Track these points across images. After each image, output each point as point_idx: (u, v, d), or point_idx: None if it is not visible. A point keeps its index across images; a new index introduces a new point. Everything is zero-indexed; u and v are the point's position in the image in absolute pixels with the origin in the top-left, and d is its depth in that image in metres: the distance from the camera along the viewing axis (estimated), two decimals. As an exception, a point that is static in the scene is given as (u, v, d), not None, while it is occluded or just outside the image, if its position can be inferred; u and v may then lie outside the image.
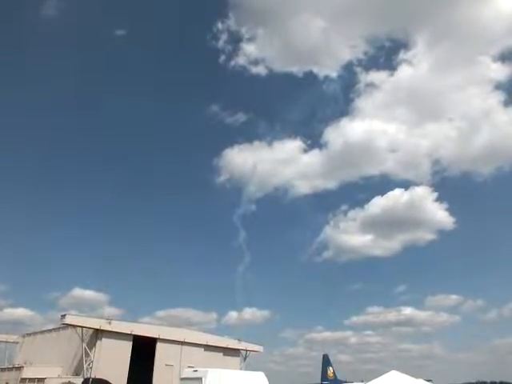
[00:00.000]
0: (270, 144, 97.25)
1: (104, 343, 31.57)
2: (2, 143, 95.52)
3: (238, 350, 41.07)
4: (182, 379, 21.75)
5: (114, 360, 31.21)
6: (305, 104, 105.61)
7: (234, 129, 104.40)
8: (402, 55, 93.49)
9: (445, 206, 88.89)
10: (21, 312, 69.72)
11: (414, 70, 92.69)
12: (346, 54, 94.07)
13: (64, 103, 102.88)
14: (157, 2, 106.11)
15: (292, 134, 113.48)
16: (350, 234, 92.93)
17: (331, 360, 45.21)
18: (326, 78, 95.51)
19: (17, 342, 42.41)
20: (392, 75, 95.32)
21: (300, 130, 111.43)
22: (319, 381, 43.13)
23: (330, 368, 43.96)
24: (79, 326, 30.76)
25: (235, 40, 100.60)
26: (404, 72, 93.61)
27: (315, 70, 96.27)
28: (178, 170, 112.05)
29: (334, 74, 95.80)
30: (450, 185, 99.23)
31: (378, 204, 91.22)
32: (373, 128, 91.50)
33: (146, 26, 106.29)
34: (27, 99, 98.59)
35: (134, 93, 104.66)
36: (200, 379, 19.68)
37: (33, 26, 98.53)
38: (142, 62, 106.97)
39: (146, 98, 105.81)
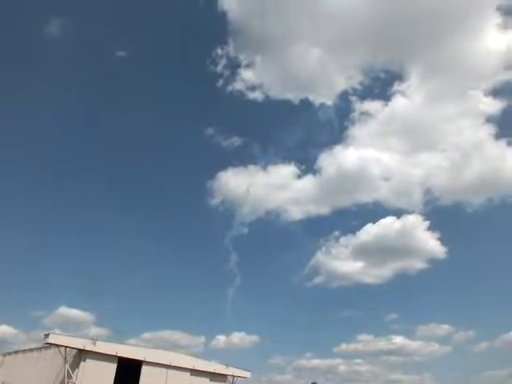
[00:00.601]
0: (264, 168, 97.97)
1: (88, 364, 30.66)
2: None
3: (225, 375, 40.11)
4: None
5: (98, 382, 30.29)
6: (300, 130, 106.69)
7: (230, 152, 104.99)
8: (396, 86, 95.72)
9: (436, 235, 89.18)
10: (4, 329, 67.64)
11: (407, 101, 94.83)
12: (342, 84, 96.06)
13: (64, 119, 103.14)
14: (158, 25, 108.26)
15: (286, 159, 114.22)
16: (342, 261, 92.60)
17: (320, 389, 44.23)
18: (322, 105, 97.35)
19: (-3, 361, 41.11)
20: (386, 105, 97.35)
21: (294, 156, 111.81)
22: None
23: (319, 397, 43.01)
24: (63, 346, 29.96)
25: (234, 66, 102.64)
26: (398, 103, 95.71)
27: (311, 97, 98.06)
28: (173, 189, 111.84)
29: (329, 102, 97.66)
30: (442, 214, 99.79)
31: (369, 231, 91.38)
32: (366, 156, 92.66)
33: (147, 48, 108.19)
34: (28, 113, 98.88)
35: (133, 112, 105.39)
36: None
37: (36, 43, 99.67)
38: (141, 82, 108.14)
39: (144, 118, 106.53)
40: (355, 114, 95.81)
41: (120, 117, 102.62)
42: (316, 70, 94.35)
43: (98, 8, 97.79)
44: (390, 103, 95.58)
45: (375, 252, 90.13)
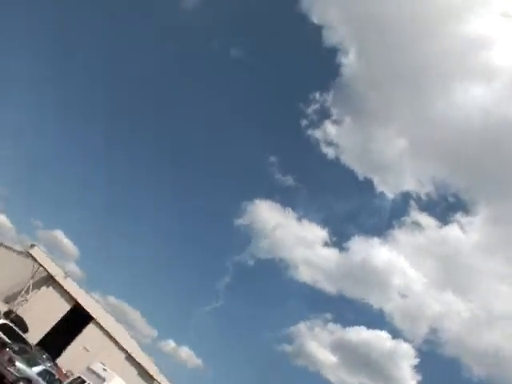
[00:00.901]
0: (299, 218, 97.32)
1: (48, 292, 31.24)
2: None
3: (154, 379, 39.00)
4: (88, 369, 20.73)
5: (46, 312, 30.59)
6: (350, 204, 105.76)
7: (277, 186, 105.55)
8: (458, 216, 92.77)
9: (418, 377, 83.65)
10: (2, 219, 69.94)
11: (462, 235, 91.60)
12: (410, 185, 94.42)
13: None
14: (280, 48, 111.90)
15: (324, 222, 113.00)
16: (318, 344, 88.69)
17: None
18: (382, 194, 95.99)
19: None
20: (440, 228, 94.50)
21: (332, 223, 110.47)
22: None
23: None
24: (38, 263, 30.65)
25: (323, 115, 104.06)
26: (452, 231, 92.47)
27: (376, 181, 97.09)
28: (210, 192, 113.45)
29: (390, 195, 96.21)
30: (435, 362, 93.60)
31: (359, 333, 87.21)
32: (396, 263, 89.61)
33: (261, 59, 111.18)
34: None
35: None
36: (103, 380, 18.80)
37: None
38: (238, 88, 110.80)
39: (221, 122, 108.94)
40: (407, 219, 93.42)
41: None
42: (392, 159, 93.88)
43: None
44: (444, 227, 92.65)
45: (354, 357, 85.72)
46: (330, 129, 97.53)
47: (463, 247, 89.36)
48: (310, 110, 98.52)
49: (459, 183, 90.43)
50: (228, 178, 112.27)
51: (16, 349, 18.30)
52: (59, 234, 76.98)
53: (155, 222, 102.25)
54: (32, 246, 30.73)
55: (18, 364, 17.30)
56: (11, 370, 16.77)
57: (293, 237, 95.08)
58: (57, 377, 21.64)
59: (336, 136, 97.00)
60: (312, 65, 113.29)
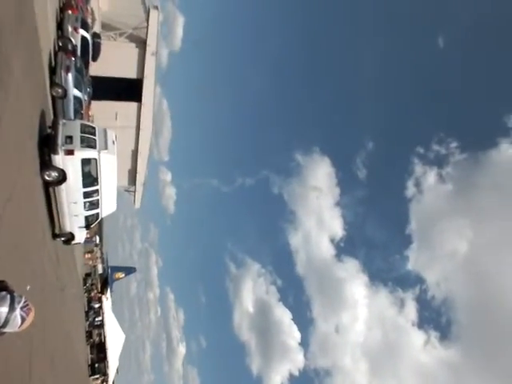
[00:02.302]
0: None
1: (132, 50, 31.75)
2: None
3: (135, 185, 40.07)
4: (102, 129, 20.80)
5: (116, 63, 31.45)
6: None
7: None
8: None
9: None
10: None
11: None
12: None
13: None
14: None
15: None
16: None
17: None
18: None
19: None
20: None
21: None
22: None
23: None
24: (146, 24, 30.68)
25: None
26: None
27: None
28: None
29: None
30: None
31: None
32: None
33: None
34: None
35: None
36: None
37: None
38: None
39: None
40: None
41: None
42: None
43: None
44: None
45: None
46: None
47: None
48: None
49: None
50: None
51: (78, 66, 18.81)
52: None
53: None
54: (156, 7, 30.41)
55: (69, 76, 17.94)
56: (63, 76, 17.38)
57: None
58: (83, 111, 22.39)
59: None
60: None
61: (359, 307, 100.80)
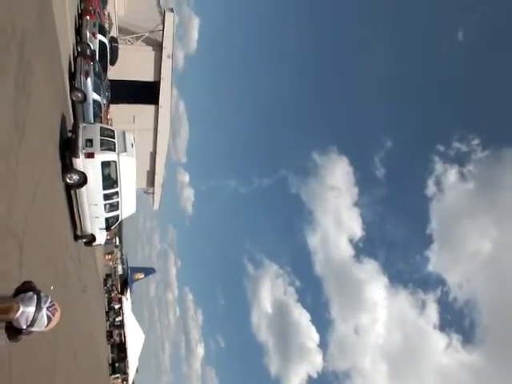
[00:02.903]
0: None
1: (149, 53, 32.12)
2: None
3: (153, 186, 40.56)
4: (121, 132, 21.07)
5: (133, 66, 31.82)
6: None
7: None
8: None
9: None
10: None
11: None
12: None
13: None
14: None
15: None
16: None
17: None
18: None
19: None
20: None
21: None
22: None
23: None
24: (162, 26, 30.99)
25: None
26: None
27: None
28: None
29: None
30: None
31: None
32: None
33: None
34: None
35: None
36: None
37: None
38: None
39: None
40: None
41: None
42: None
43: None
44: None
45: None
46: None
47: None
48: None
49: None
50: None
51: (96, 71, 19.14)
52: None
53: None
54: (171, 10, 30.69)
55: (89, 81, 18.28)
56: (82, 80, 17.72)
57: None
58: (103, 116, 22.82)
59: None
60: None
61: (379, 309, 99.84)
